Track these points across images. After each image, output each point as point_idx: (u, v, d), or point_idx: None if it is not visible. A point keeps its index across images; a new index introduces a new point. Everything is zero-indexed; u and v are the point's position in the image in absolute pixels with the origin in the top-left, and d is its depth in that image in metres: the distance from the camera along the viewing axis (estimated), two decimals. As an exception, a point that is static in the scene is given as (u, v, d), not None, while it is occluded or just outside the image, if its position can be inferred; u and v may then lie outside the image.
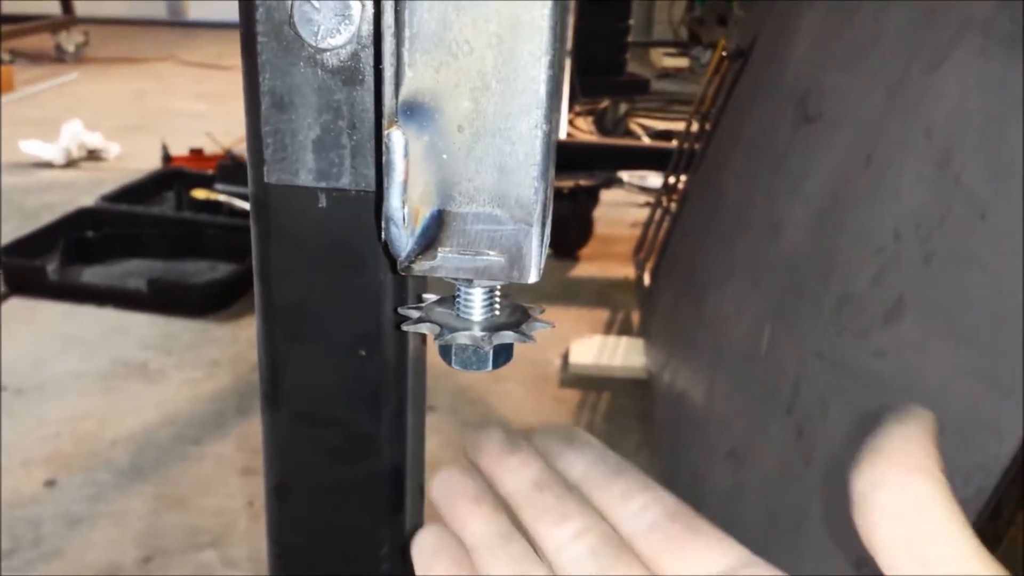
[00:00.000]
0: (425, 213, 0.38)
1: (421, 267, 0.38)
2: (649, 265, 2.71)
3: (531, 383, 2.39)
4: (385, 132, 0.36)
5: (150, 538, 1.82)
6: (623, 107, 4.70)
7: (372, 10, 0.41)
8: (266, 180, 0.45)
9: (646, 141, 4.52)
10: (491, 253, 0.38)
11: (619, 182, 3.95)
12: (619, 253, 3.22)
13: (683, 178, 2.72)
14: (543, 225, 0.38)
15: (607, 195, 3.70)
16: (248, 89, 0.44)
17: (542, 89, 0.35)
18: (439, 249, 0.38)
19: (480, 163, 0.37)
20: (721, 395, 1.59)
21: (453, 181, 0.37)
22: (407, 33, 0.35)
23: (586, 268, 3.14)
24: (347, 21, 0.41)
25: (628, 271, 3.05)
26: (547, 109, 0.36)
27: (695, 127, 2.72)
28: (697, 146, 2.63)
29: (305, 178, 0.45)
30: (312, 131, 0.44)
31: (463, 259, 0.38)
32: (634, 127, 4.70)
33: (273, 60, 0.43)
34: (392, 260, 0.39)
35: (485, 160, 0.37)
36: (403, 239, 0.38)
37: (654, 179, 3.77)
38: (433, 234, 0.38)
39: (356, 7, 0.41)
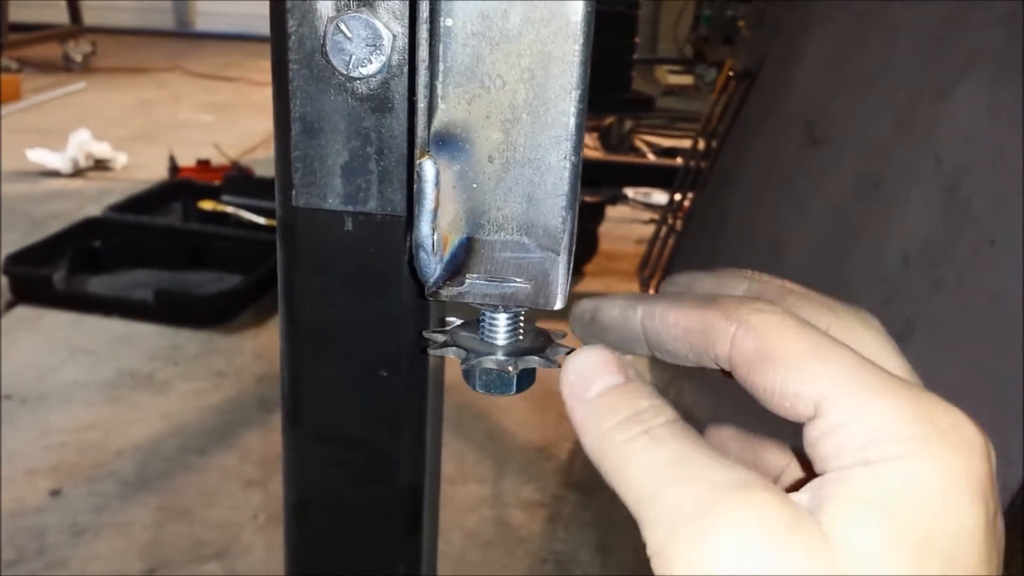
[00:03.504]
0: (454, 240, 0.38)
1: (449, 293, 0.39)
2: (654, 282, 2.72)
3: (535, 398, 2.39)
4: (417, 161, 0.37)
5: (155, 550, 1.83)
6: (628, 124, 4.72)
7: (403, 41, 0.42)
8: (294, 203, 0.46)
9: (651, 158, 4.54)
10: (518, 280, 0.39)
11: (624, 199, 3.96)
12: (623, 270, 3.23)
13: (688, 196, 2.73)
14: (569, 253, 0.39)
15: (612, 211, 3.71)
16: (278, 114, 0.45)
17: (572, 122, 0.36)
18: (467, 276, 0.39)
19: (509, 193, 0.37)
20: (728, 416, 1.59)
21: (482, 210, 0.38)
22: (441, 67, 0.36)
23: (591, 284, 3.15)
24: (378, 51, 0.42)
25: (632, 287, 3.05)
26: (576, 141, 0.37)
27: (701, 146, 2.73)
28: (703, 165, 2.64)
29: (333, 202, 0.45)
30: (341, 156, 0.45)
31: (490, 286, 0.39)
32: (639, 144, 4.72)
33: (304, 87, 0.44)
34: (420, 285, 0.40)
35: (514, 190, 0.37)
36: (432, 265, 0.39)
37: (659, 196, 3.78)
38: (461, 261, 0.39)
39: (387, 37, 0.42)
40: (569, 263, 0.39)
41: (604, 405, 0.35)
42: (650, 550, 0.31)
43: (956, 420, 0.30)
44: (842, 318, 0.37)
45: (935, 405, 0.31)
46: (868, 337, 0.36)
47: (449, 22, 0.35)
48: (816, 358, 0.32)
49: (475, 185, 0.37)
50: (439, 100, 0.36)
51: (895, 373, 0.34)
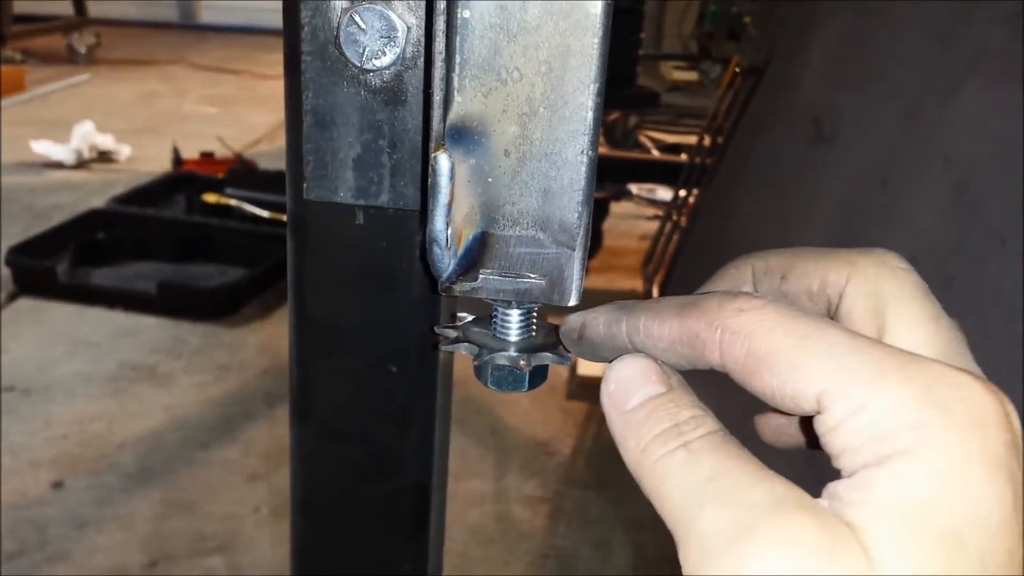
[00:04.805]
0: (468, 235, 0.38)
1: (462, 288, 0.39)
2: (658, 279, 2.72)
3: (538, 394, 2.39)
4: (432, 155, 0.37)
5: (156, 542, 1.82)
6: (633, 119, 4.71)
7: (417, 33, 0.41)
8: (305, 196, 0.45)
9: (656, 154, 4.53)
10: (532, 276, 0.38)
11: (628, 194, 3.96)
12: (627, 265, 3.23)
13: (693, 192, 2.73)
14: (584, 249, 0.38)
15: (616, 207, 3.71)
16: (290, 107, 0.45)
17: (589, 116, 0.36)
18: (481, 271, 0.38)
19: (525, 187, 0.37)
20: (730, 416, 1.59)
21: (497, 204, 0.37)
22: (458, 59, 0.35)
23: (594, 280, 3.15)
24: (392, 43, 0.41)
25: (636, 283, 3.05)
26: (593, 135, 0.36)
27: (707, 142, 2.73)
28: (708, 161, 2.63)
29: (344, 196, 0.45)
30: (353, 149, 0.44)
31: (504, 281, 0.39)
32: (644, 140, 4.71)
33: (317, 79, 0.43)
34: (432, 279, 0.39)
35: (530, 184, 0.37)
36: (445, 260, 0.38)
37: (663, 192, 3.78)
38: (475, 256, 0.38)
39: (402, 29, 0.41)
40: (584, 259, 0.38)
41: (643, 417, 0.34)
42: (685, 571, 0.30)
43: (963, 393, 0.29)
44: (861, 269, 0.36)
45: (939, 379, 0.29)
46: (889, 286, 0.35)
47: (467, 13, 0.34)
48: (807, 353, 0.31)
49: (490, 179, 0.37)
50: (455, 93, 0.36)
51: (923, 318, 0.35)
